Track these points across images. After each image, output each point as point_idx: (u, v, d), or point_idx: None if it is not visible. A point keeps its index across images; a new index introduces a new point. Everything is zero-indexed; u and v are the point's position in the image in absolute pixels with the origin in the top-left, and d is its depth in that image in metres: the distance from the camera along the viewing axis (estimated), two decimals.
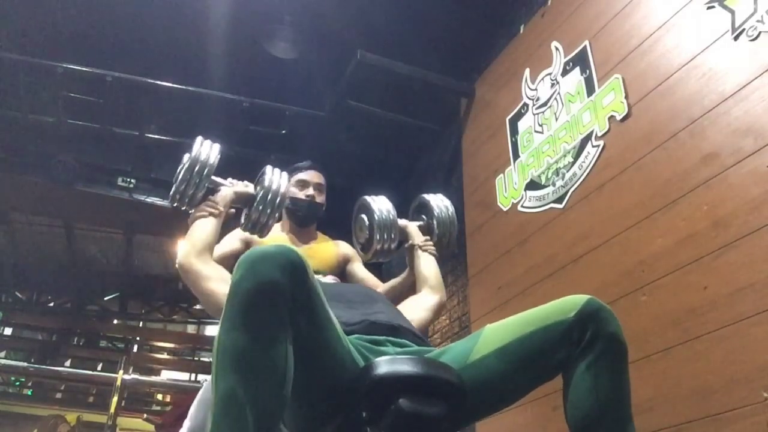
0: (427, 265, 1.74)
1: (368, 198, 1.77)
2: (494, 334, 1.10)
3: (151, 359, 8.72)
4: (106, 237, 6.49)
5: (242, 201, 1.63)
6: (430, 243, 1.81)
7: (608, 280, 2.20)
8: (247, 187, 1.66)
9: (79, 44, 3.76)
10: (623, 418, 0.99)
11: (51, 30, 3.69)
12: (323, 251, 1.96)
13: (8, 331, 8.64)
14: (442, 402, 0.97)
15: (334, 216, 2.05)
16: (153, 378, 6.18)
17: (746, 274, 1.70)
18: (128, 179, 4.33)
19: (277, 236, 1.95)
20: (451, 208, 1.87)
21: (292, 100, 3.96)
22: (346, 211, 1.96)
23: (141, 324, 8.62)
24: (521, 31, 3.20)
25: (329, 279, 1.74)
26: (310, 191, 1.96)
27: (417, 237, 1.79)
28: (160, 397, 7.78)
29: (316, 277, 1.61)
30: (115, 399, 3.05)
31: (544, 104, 2.85)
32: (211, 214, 1.52)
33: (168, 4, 3.51)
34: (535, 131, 2.88)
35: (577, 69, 2.65)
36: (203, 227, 1.49)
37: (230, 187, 1.62)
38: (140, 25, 3.64)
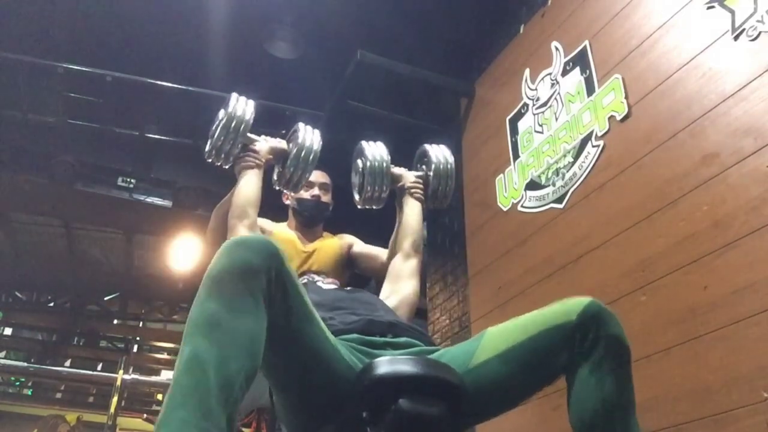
0: (411, 213, 1.71)
1: (365, 143, 1.77)
2: (496, 337, 1.09)
3: (151, 359, 8.73)
4: (106, 237, 6.49)
5: (276, 156, 1.66)
6: (419, 187, 1.77)
7: (608, 280, 2.20)
8: (280, 143, 1.69)
9: (79, 44, 3.76)
10: (629, 419, 0.99)
11: (51, 30, 3.70)
12: (328, 248, 1.97)
13: (8, 331, 8.64)
14: (443, 402, 0.97)
15: (334, 216, 2.05)
16: (153, 378, 6.17)
17: (746, 274, 1.70)
18: (128, 179, 4.33)
19: (285, 234, 1.96)
20: (451, 160, 1.82)
21: (292, 100, 3.96)
22: (347, 211, 1.96)
23: (141, 324, 8.62)
24: (521, 31, 3.20)
25: (330, 285, 1.74)
26: (316, 191, 1.97)
27: (407, 181, 1.77)
28: (160, 397, 7.77)
29: (318, 280, 1.63)
30: (115, 399, 3.05)
31: (544, 104, 2.85)
32: (255, 164, 1.58)
33: (168, 4, 3.51)
34: (535, 131, 2.88)
35: (577, 69, 2.65)
36: (247, 184, 1.55)
37: (265, 143, 1.65)
38: (140, 25, 3.64)
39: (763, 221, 1.69)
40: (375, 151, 1.73)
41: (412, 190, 1.76)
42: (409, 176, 1.80)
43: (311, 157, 1.63)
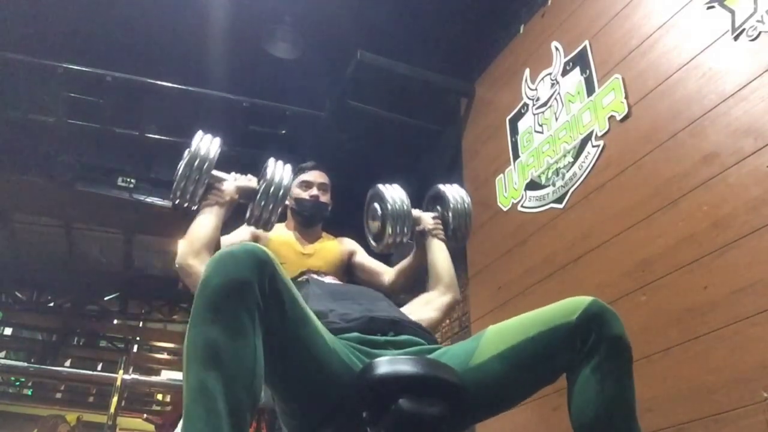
0: (440, 257, 1.69)
1: (382, 186, 1.71)
2: (497, 336, 1.09)
3: (151, 359, 8.72)
4: (106, 237, 6.48)
5: (245, 195, 1.59)
6: (441, 228, 1.76)
7: (608, 280, 2.20)
8: (250, 180, 1.62)
9: (79, 44, 3.75)
10: (630, 421, 0.99)
11: (51, 30, 3.69)
12: (327, 250, 1.97)
13: (8, 331, 8.64)
14: (443, 402, 0.97)
15: (334, 216, 2.05)
16: (153, 378, 6.17)
17: (746, 274, 1.70)
18: (128, 179, 4.33)
19: (283, 235, 1.95)
20: (467, 200, 1.81)
21: (292, 100, 3.96)
22: (346, 211, 1.96)
23: (141, 324, 8.61)
24: (521, 31, 3.20)
25: (329, 279, 1.74)
26: (315, 191, 1.96)
27: (428, 223, 1.75)
28: (160, 397, 7.79)
29: (318, 277, 1.63)
30: (115, 399, 3.05)
31: (544, 104, 2.85)
32: (217, 203, 1.52)
33: (168, 4, 3.51)
34: (535, 131, 2.88)
35: (577, 69, 2.65)
36: (204, 222, 1.48)
37: (233, 182, 1.59)
38: (140, 25, 3.64)
39: (763, 221, 1.69)
40: (394, 194, 1.68)
41: (434, 232, 1.74)
42: (427, 218, 1.78)
43: (281, 194, 1.54)
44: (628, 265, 2.13)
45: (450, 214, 1.79)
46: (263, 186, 1.55)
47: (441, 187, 1.85)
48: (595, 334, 0.99)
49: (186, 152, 1.51)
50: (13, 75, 3.70)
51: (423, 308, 1.57)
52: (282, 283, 0.94)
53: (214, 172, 1.53)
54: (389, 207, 1.65)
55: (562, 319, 1.02)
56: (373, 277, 1.93)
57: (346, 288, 1.44)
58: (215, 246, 1.48)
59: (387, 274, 1.87)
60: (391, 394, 0.95)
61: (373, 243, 1.75)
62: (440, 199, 1.84)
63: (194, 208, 1.52)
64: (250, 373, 0.85)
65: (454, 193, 1.81)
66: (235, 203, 1.57)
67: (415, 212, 1.76)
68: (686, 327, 1.85)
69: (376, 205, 1.72)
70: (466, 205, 1.79)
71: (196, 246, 1.42)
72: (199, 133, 1.55)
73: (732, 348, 1.69)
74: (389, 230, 1.64)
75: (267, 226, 1.58)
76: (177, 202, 1.50)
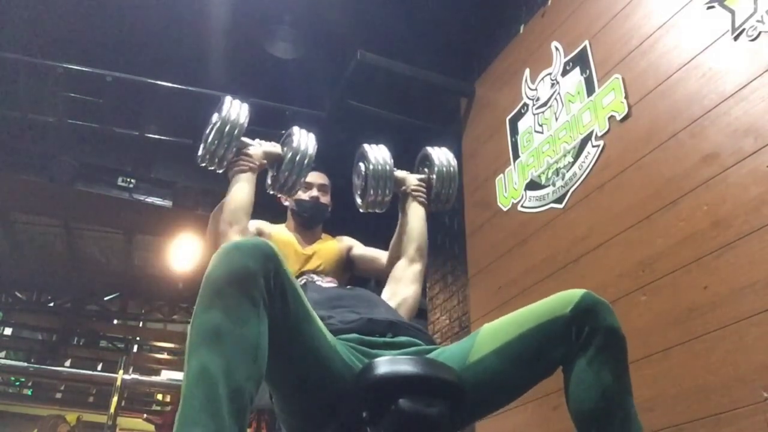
0: (414, 219, 1.70)
1: (367, 146, 1.75)
2: (492, 333, 1.10)
3: (151, 359, 8.72)
4: (106, 237, 6.49)
5: (270, 161, 1.65)
6: (422, 191, 1.77)
7: (608, 280, 2.20)
8: (275, 147, 1.68)
9: (79, 44, 3.76)
10: (628, 409, 0.99)
11: (51, 30, 3.70)
12: (327, 250, 1.97)
13: (8, 331, 8.64)
14: (442, 402, 0.97)
15: (334, 216, 2.05)
16: (153, 378, 6.18)
17: (746, 274, 1.70)
18: (128, 179, 4.34)
19: (284, 236, 1.95)
20: (454, 163, 1.80)
21: (292, 100, 3.96)
22: (346, 211, 1.95)
23: (141, 324, 8.62)
24: (521, 31, 3.20)
25: (329, 283, 1.73)
26: (315, 192, 1.96)
27: (411, 185, 1.77)
28: (160, 397, 7.79)
29: (317, 279, 1.63)
30: (115, 399, 3.05)
31: (544, 104, 2.85)
32: (249, 168, 1.58)
33: (168, 4, 3.52)
34: (535, 131, 2.88)
35: (577, 69, 2.65)
36: (241, 189, 1.54)
37: (259, 147, 1.64)
38: (140, 25, 3.65)
39: (763, 221, 1.69)
40: (378, 154, 1.71)
41: (415, 194, 1.75)
42: (411, 180, 1.79)
43: (306, 161, 1.61)
44: (628, 265, 2.13)
45: (434, 177, 1.78)
46: (289, 153, 1.62)
47: (429, 149, 1.85)
48: (589, 325, 1.00)
49: (215, 116, 1.57)
50: (13, 75, 3.70)
51: (400, 287, 1.59)
52: (286, 279, 0.94)
53: (242, 138, 1.59)
54: (371, 167, 1.68)
55: (556, 312, 1.03)
56: (372, 263, 1.93)
57: (344, 293, 1.44)
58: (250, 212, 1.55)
59: (384, 257, 1.87)
60: (390, 394, 0.95)
61: (358, 201, 1.78)
62: (427, 161, 1.84)
63: (220, 171, 1.59)
64: (252, 358, 0.85)
65: (441, 156, 1.81)
66: (263, 168, 1.64)
67: (401, 173, 1.78)
68: (686, 327, 1.85)
69: (361, 164, 1.76)
70: (451, 169, 1.78)
71: (234, 213, 1.50)
72: (228, 97, 1.62)
73: (732, 348, 1.69)
74: (371, 189, 1.68)
75: (291, 192, 1.68)
76: (205, 164, 1.57)
